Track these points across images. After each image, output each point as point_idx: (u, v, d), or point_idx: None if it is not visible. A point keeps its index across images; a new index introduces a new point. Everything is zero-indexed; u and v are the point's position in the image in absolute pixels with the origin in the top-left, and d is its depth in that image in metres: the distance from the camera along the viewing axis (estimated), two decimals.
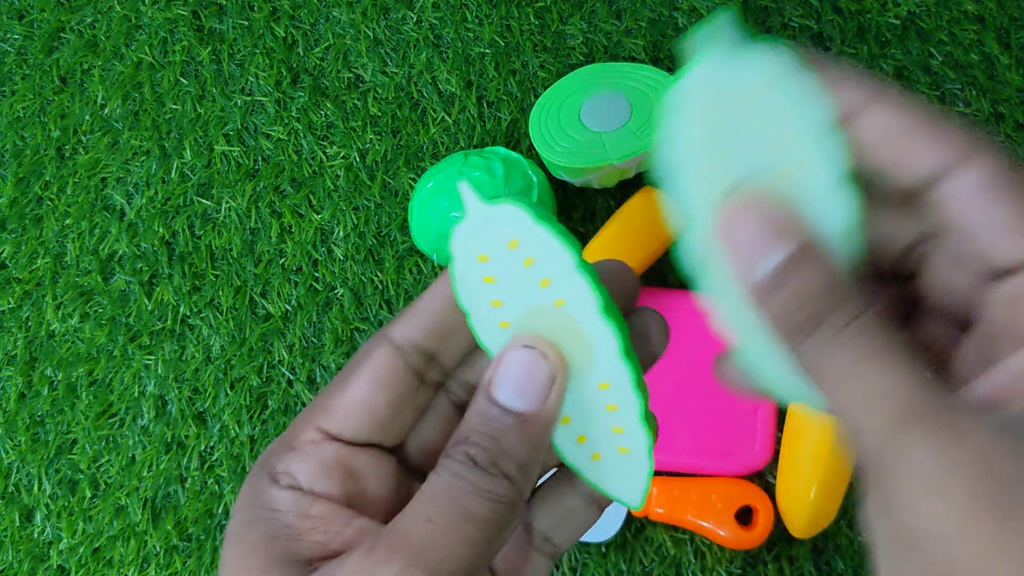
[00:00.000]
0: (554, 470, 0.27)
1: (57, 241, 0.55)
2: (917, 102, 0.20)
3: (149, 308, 0.53)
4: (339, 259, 0.54)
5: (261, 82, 0.58)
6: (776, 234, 0.20)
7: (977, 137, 0.19)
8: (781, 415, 0.47)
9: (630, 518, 0.47)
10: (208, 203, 0.55)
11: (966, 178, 0.19)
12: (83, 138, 0.58)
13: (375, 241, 0.54)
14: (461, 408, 0.26)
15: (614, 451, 0.24)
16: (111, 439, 0.51)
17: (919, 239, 0.23)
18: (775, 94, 0.20)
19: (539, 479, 0.26)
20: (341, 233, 0.54)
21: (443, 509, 0.20)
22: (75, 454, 0.51)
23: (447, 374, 0.25)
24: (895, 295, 0.24)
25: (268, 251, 0.54)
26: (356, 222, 0.54)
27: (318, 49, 0.58)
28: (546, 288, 0.22)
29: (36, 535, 0.50)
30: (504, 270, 0.22)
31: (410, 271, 0.53)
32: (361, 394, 0.23)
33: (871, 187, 0.21)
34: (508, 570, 0.25)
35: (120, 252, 0.55)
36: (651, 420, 0.23)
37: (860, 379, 0.19)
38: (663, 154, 0.22)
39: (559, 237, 0.21)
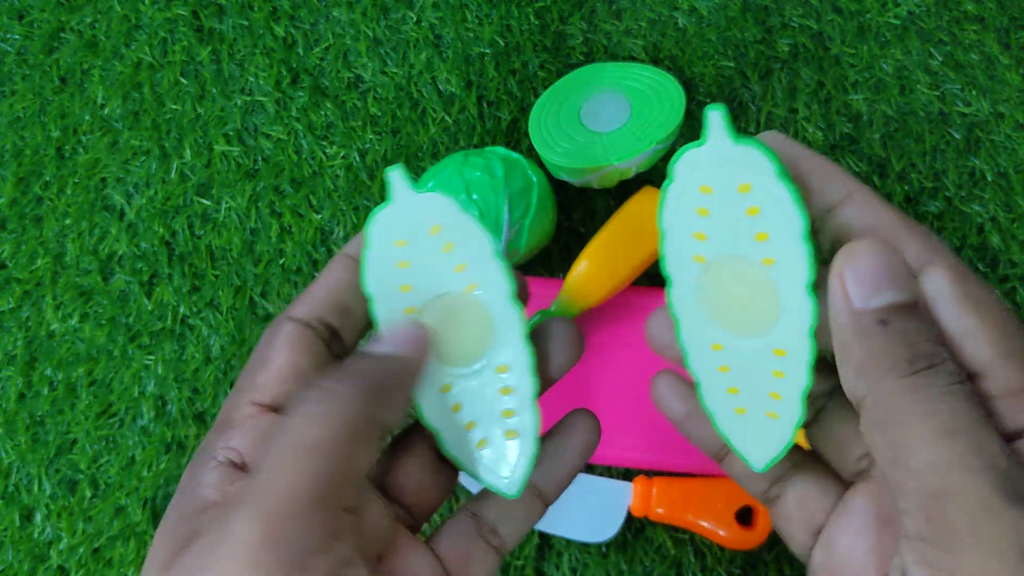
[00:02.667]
0: None
1: (57, 241, 0.55)
2: (886, 204, 0.22)
3: (149, 308, 0.53)
4: None
5: (261, 82, 0.58)
6: (899, 277, 0.20)
7: (936, 244, 0.21)
8: None
9: (630, 519, 0.47)
10: (208, 203, 0.55)
11: (929, 284, 0.20)
12: (83, 138, 0.57)
13: None
14: None
15: (501, 436, 0.25)
16: (111, 439, 0.51)
17: None
18: (761, 191, 0.21)
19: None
20: (341, 233, 0.54)
21: (274, 450, 0.20)
22: (75, 454, 0.51)
23: (348, 352, 0.26)
24: None
25: (268, 251, 0.54)
26: (356, 222, 0.54)
27: (318, 49, 0.58)
28: (460, 272, 0.24)
29: (36, 535, 0.50)
30: (421, 254, 0.24)
31: None
32: (288, 362, 0.24)
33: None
34: (456, 559, 0.25)
35: (120, 252, 0.55)
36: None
37: (962, 442, 0.18)
38: (665, 211, 0.23)
39: (482, 226, 0.23)
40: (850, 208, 0.22)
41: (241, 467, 0.22)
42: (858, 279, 0.20)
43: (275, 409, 0.23)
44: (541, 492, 0.27)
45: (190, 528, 0.21)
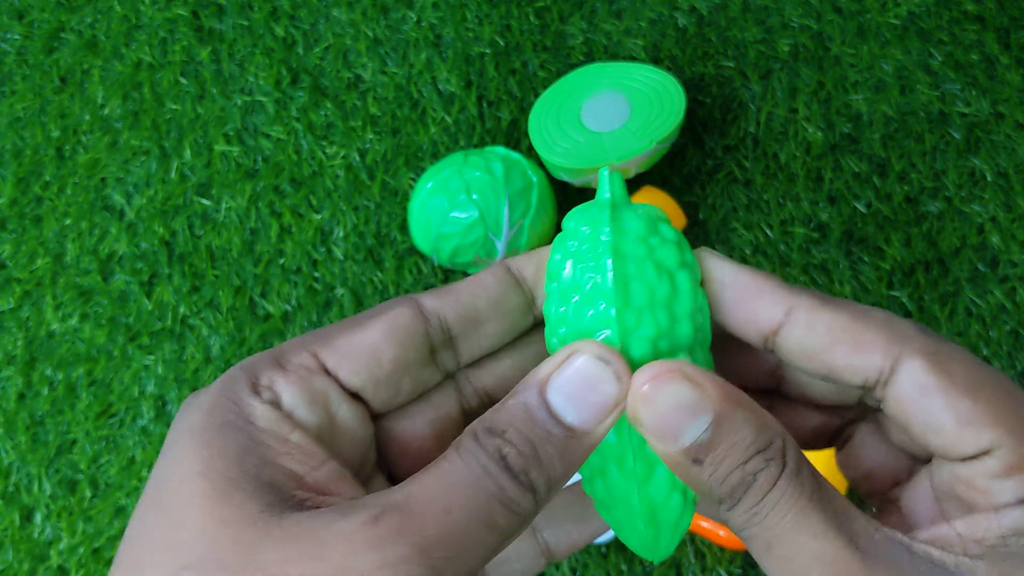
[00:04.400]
0: None
1: (57, 241, 0.55)
2: (835, 306, 0.20)
3: (149, 308, 0.53)
4: (339, 259, 0.54)
5: (261, 82, 0.58)
6: (693, 406, 0.19)
7: (901, 332, 0.20)
8: None
9: None
10: (208, 203, 0.55)
11: (901, 384, 0.19)
12: (83, 138, 0.57)
13: (375, 241, 0.54)
14: (468, 414, 0.24)
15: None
16: (111, 439, 0.51)
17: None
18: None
19: None
20: (341, 233, 0.54)
21: (465, 507, 0.18)
22: (75, 454, 0.51)
23: (459, 368, 0.23)
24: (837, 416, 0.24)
25: (268, 251, 0.54)
26: (356, 222, 0.54)
27: (318, 49, 0.58)
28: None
29: (36, 535, 0.50)
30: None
31: (410, 271, 0.53)
32: (371, 340, 0.21)
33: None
34: None
35: (120, 252, 0.55)
36: None
37: (788, 547, 0.18)
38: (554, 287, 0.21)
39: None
40: (792, 328, 0.21)
41: (278, 408, 0.20)
42: (656, 429, 0.19)
43: (330, 375, 0.21)
44: (549, 549, 0.25)
45: (267, 481, 0.19)
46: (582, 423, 0.19)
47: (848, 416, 0.24)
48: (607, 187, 0.22)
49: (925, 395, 0.19)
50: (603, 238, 0.21)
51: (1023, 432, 0.19)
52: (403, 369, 0.22)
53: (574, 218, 0.22)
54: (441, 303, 0.22)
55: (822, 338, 0.20)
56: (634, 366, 0.20)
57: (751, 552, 0.20)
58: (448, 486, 0.18)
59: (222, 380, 0.20)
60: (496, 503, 0.18)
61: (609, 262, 0.21)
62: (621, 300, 0.20)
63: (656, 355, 0.20)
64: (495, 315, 0.22)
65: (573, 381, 0.19)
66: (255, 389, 0.20)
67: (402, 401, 0.22)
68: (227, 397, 0.20)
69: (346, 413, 0.21)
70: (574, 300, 0.21)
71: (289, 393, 0.20)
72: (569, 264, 0.21)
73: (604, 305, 0.20)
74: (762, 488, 0.19)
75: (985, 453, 0.19)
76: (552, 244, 0.22)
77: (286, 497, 0.18)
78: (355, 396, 0.22)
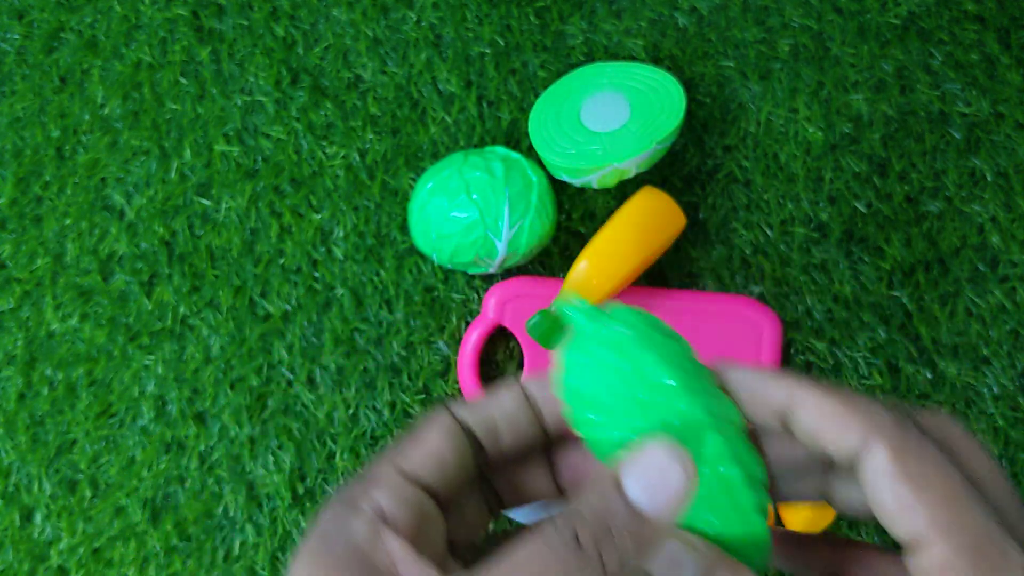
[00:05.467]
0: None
1: (57, 241, 0.55)
2: (826, 392, 0.23)
3: (149, 308, 0.53)
4: (339, 259, 0.54)
5: (261, 82, 0.58)
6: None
7: (877, 421, 0.22)
8: None
9: None
10: (208, 203, 0.55)
11: (870, 464, 0.22)
12: (83, 138, 0.57)
13: (375, 241, 0.54)
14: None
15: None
16: (111, 439, 0.51)
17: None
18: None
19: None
20: (341, 233, 0.54)
21: None
22: (75, 454, 0.51)
23: (491, 470, 0.27)
24: None
25: (268, 251, 0.54)
26: (356, 222, 0.54)
27: (318, 49, 0.58)
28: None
29: (36, 535, 0.50)
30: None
31: (410, 271, 0.53)
32: (435, 444, 0.24)
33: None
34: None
35: (120, 252, 0.55)
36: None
37: None
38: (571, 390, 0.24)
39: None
40: (800, 411, 0.23)
41: (384, 520, 0.23)
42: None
43: (414, 481, 0.24)
44: None
45: (363, 569, 0.22)
46: (655, 510, 0.22)
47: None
48: (584, 318, 0.24)
49: (879, 478, 0.21)
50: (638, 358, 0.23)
51: (955, 532, 0.20)
52: (460, 465, 0.25)
53: (577, 353, 0.24)
54: (467, 412, 0.25)
55: (814, 416, 0.23)
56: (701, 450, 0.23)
57: None
58: (519, 566, 0.21)
59: (328, 506, 0.24)
60: None
61: (670, 382, 0.23)
62: (689, 397, 0.23)
63: (721, 438, 0.23)
64: (511, 429, 0.26)
65: (648, 472, 0.22)
66: (354, 505, 0.23)
67: (456, 493, 0.26)
68: (330, 519, 0.23)
69: (430, 507, 0.24)
70: (627, 421, 0.24)
71: (387, 500, 0.23)
72: (608, 393, 0.24)
73: (664, 413, 0.23)
74: None
75: (919, 546, 0.21)
76: (563, 381, 0.25)
77: None
78: (431, 494, 0.25)
